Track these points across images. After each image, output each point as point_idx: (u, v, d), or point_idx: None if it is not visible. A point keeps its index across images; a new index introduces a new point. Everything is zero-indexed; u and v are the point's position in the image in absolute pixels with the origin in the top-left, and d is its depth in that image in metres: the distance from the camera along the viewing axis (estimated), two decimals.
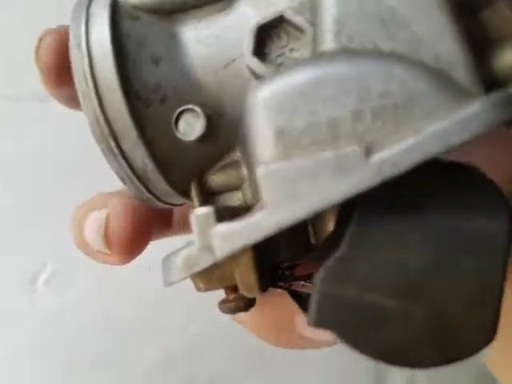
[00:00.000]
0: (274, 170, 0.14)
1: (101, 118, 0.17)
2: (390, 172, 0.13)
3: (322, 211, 0.14)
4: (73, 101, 0.19)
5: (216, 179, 0.20)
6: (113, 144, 0.17)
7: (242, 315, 0.25)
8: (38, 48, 0.20)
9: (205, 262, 0.17)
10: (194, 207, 0.20)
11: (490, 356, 0.29)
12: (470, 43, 0.15)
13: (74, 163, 0.37)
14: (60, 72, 0.19)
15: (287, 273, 0.20)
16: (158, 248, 0.24)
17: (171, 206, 0.21)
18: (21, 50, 0.40)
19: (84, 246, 0.22)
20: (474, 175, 0.15)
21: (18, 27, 0.40)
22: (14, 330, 0.44)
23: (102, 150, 0.17)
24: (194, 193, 0.19)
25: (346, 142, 0.14)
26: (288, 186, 0.14)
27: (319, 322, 0.15)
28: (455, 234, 0.14)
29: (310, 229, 0.20)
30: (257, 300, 0.20)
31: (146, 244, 0.22)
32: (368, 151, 0.14)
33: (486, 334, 0.14)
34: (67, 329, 0.44)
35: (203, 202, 0.20)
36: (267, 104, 0.15)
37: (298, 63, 0.15)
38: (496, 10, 0.15)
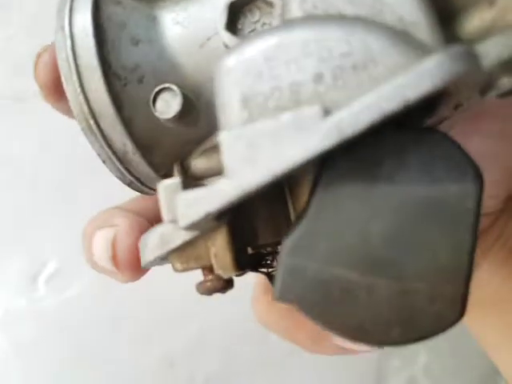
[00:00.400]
0: (235, 135, 0.14)
1: (81, 97, 0.17)
2: (348, 131, 0.13)
3: (295, 174, 0.14)
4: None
5: (199, 163, 0.20)
6: (92, 122, 0.18)
7: (276, 325, 0.25)
8: (36, 64, 0.21)
9: (178, 239, 0.16)
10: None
11: (489, 341, 0.28)
12: (434, 6, 0.14)
13: (77, 163, 0.37)
14: (58, 87, 0.20)
15: (269, 258, 0.20)
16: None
17: (154, 193, 0.21)
18: (24, 51, 0.42)
19: (93, 263, 0.23)
20: (441, 139, 0.14)
21: (21, 28, 0.42)
22: (15, 329, 0.44)
23: (83, 129, 0.18)
24: (176, 176, 0.20)
25: (307, 104, 0.14)
26: (249, 150, 0.14)
27: (283, 296, 0.14)
28: (420, 200, 0.14)
29: (291, 209, 0.19)
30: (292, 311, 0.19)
31: None
32: (327, 110, 0.13)
33: (456, 310, 0.13)
34: (68, 327, 0.44)
35: (185, 186, 0.20)
36: (232, 70, 0.15)
37: (264, 30, 0.15)
38: None
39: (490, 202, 0.25)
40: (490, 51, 0.13)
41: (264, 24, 0.17)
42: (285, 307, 0.16)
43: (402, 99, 0.13)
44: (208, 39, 0.18)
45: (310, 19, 0.14)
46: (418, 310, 0.14)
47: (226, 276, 0.18)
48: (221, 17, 0.17)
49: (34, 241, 0.43)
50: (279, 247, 0.20)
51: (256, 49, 0.14)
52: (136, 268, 0.21)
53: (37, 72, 0.21)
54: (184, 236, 0.16)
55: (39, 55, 0.21)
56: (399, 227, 0.14)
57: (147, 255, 0.17)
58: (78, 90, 0.17)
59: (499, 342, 0.27)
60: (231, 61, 0.15)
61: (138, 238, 0.21)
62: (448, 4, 0.16)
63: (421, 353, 0.37)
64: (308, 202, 0.15)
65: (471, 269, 0.14)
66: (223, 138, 0.14)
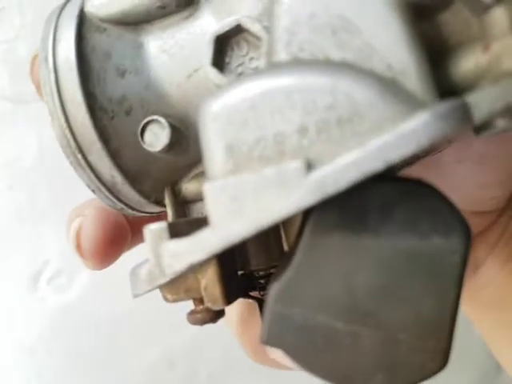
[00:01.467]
0: (220, 187, 0.14)
1: (67, 132, 0.17)
2: (330, 189, 0.13)
3: (273, 226, 0.14)
4: None
5: (189, 188, 0.20)
6: (79, 156, 0.17)
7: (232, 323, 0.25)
8: (32, 65, 0.21)
9: (165, 278, 0.17)
10: (168, 216, 0.20)
11: (493, 338, 0.28)
12: (425, 51, 0.14)
13: None
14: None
15: (262, 281, 0.20)
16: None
17: (147, 215, 0.21)
18: (25, 53, 0.41)
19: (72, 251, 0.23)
20: (428, 192, 0.14)
21: (22, 30, 0.41)
22: (16, 328, 0.45)
23: (71, 162, 0.18)
24: (167, 202, 0.20)
25: (292, 157, 0.14)
26: (233, 202, 0.14)
27: (270, 342, 0.15)
28: (406, 254, 0.14)
29: (283, 234, 0.19)
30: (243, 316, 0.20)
31: (118, 253, 0.23)
32: (310, 166, 0.13)
33: (438, 362, 0.13)
34: (69, 327, 0.44)
35: (177, 211, 0.20)
36: (217, 118, 0.14)
37: (249, 75, 0.15)
38: (455, 12, 0.14)
39: (492, 201, 0.25)
40: (482, 103, 0.13)
41: (252, 58, 0.17)
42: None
43: (385, 160, 0.12)
44: (195, 70, 0.17)
45: (295, 66, 0.14)
46: (401, 359, 0.14)
47: (215, 308, 0.18)
48: (207, 51, 0.16)
49: (35, 241, 0.43)
50: (271, 270, 0.20)
51: (241, 96, 0.14)
52: (100, 257, 0.22)
53: (33, 72, 0.21)
54: (170, 276, 0.16)
55: (35, 56, 0.21)
56: (384, 280, 0.14)
57: (137, 289, 0.18)
58: (64, 125, 0.17)
59: (504, 338, 0.28)
60: (216, 107, 0.14)
61: (102, 229, 0.22)
62: (441, 43, 0.15)
63: None
64: (294, 248, 0.15)
65: (454, 322, 0.14)
66: (208, 188, 0.14)
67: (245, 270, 0.20)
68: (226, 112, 0.14)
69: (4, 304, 0.44)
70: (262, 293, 0.20)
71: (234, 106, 0.14)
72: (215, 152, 0.14)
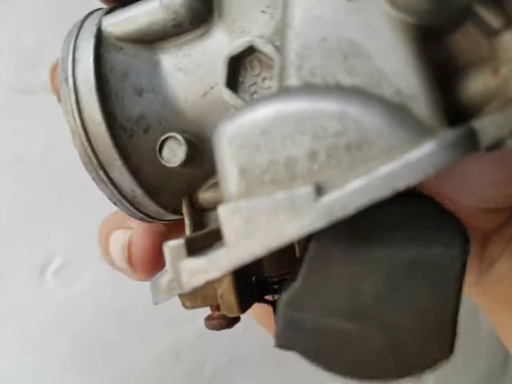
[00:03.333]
0: (233, 209, 0.15)
1: (88, 150, 0.18)
2: (339, 214, 0.13)
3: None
4: None
5: (206, 197, 0.20)
6: (101, 173, 0.18)
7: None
8: (52, 76, 0.21)
9: (182, 290, 0.18)
10: (186, 224, 0.21)
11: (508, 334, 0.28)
12: (434, 73, 0.14)
13: None
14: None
15: (276, 286, 0.21)
16: None
17: (166, 222, 0.22)
18: (32, 43, 0.40)
19: (110, 261, 0.24)
20: (428, 205, 0.14)
21: (27, 20, 0.40)
22: (23, 320, 0.44)
23: (93, 178, 0.19)
24: (185, 211, 0.20)
25: (302, 181, 0.14)
26: (246, 224, 0.14)
27: (283, 345, 0.16)
28: (408, 262, 0.14)
29: (296, 243, 0.20)
30: None
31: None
32: (320, 191, 0.14)
33: (444, 351, 0.14)
34: (76, 319, 0.44)
35: (194, 219, 0.21)
36: (231, 141, 0.15)
37: (261, 99, 0.15)
38: (466, 32, 0.14)
39: (506, 199, 0.25)
40: (489, 129, 0.13)
41: (264, 78, 0.17)
42: None
43: (392, 188, 0.13)
44: (211, 88, 0.18)
45: (305, 91, 0.14)
46: (408, 360, 0.15)
47: (231, 315, 0.19)
48: (221, 72, 0.17)
49: (43, 233, 0.43)
50: (285, 275, 0.21)
51: (253, 121, 0.15)
52: (150, 268, 0.23)
53: (53, 83, 0.21)
54: (188, 290, 0.17)
55: (55, 66, 0.21)
56: (388, 286, 0.15)
57: (157, 297, 0.18)
58: (86, 143, 0.18)
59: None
60: (230, 132, 0.15)
61: (151, 240, 0.23)
62: (451, 63, 0.15)
63: None
64: (302, 256, 0.16)
65: (456, 326, 0.14)
66: (222, 211, 0.15)
67: (259, 276, 0.21)
68: (240, 136, 0.15)
69: (10, 296, 0.44)
70: (276, 297, 0.21)
71: (246, 130, 0.15)
72: (229, 174, 0.15)
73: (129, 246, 0.23)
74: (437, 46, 0.15)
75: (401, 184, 0.13)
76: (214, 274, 0.15)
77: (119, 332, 0.45)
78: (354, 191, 0.13)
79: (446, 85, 0.15)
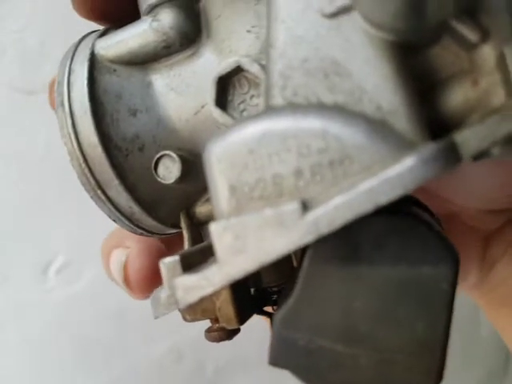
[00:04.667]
0: (225, 227, 0.15)
1: (86, 171, 0.19)
2: (325, 229, 0.14)
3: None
4: None
5: (203, 210, 0.21)
6: (99, 192, 0.19)
7: None
8: (50, 91, 0.22)
9: (178, 306, 0.18)
10: (184, 238, 0.21)
11: (504, 329, 0.28)
12: (415, 88, 0.14)
13: None
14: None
15: (274, 297, 0.21)
16: None
17: (164, 236, 0.22)
18: (35, 43, 0.40)
19: (112, 279, 0.25)
20: (417, 223, 0.15)
21: (30, 20, 0.40)
22: (25, 319, 0.44)
23: (92, 197, 0.19)
24: (183, 225, 0.21)
25: (289, 197, 0.15)
26: (236, 241, 0.15)
27: (276, 363, 0.16)
28: (398, 281, 0.15)
29: (293, 253, 0.20)
30: None
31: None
32: (306, 207, 0.14)
33: (431, 379, 0.14)
34: (77, 319, 0.44)
35: (192, 233, 0.21)
36: (220, 160, 0.15)
37: (248, 118, 0.16)
38: (445, 45, 0.15)
39: (508, 200, 0.25)
40: (470, 141, 0.13)
41: (252, 96, 0.17)
42: None
43: (374, 203, 0.13)
44: (202, 107, 0.18)
45: (289, 111, 0.15)
46: (396, 377, 0.15)
47: (230, 327, 0.19)
48: (210, 92, 0.17)
49: (45, 232, 0.43)
50: (283, 286, 0.22)
51: (241, 140, 0.15)
52: (145, 288, 0.24)
53: (51, 98, 0.22)
54: (184, 306, 0.18)
55: (53, 82, 0.22)
56: (379, 305, 0.15)
57: (158, 311, 0.19)
58: (83, 164, 0.18)
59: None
60: (219, 151, 0.15)
61: (147, 260, 0.24)
62: (432, 75, 0.15)
63: None
64: (295, 277, 0.16)
65: (446, 344, 0.15)
66: (213, 228, 0.15)
67: (258, 287, 0.21)
68: (228, 155, 0.15)
69: (12, 295, 0.44)
70: (274, 308, 0.21)
71: (234, 149, 0.15)
72: (220, 191, 0.16)
73: (125, 267, 0.24)
74: (417, 60, 0.15)
75: (382, 199, 0.13)
76: (207, 290, 0.15)
77: (121, 332, 0.45)
78: (337, 207, 0.14)
79: (427, 97, 0.15)
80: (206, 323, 0.21)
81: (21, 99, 0.42)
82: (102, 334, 0.45)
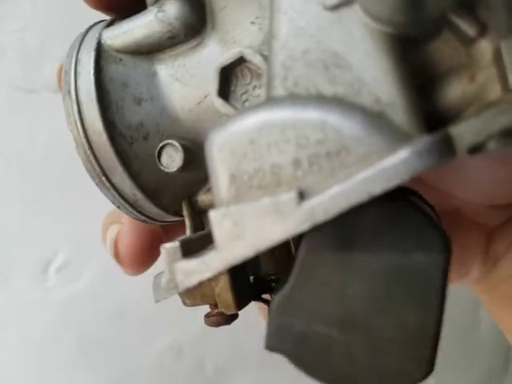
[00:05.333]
0: (224, 214, 0.15)
1: (91, 158, 0.19)
2: (320, 217, 0.14)
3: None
4: None
5: (205, 199, 0.21)
6: (104, 179, 0.19)
7: None
8: (59, 77, 0.22)
9: (178, 290, 0.18)
10: (186, 226, 0.22)
11: (508, 326, 0.29)
12: (413, 81, 0.15)
13: None
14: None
15: (273, 285, 0.22)
16: None
17: (167, 223, 0.23)
18: (34, 42, 0.40)
19: (108, 253, 0.25)
20: (412, 211, 0.15)
21: (30, 19, 0.40)
22: (25, 318, 0.44)
23: (96, 184, 0.20)
24: (185, 213, 0.21)
25: (287, 187, 0.15)
26: (234, 228, 0.15)
27: (272, 347, 0.16)
28: (392, 268, 0.15)
29: (291, 241, 0.21)
30: None
31: (155, 258, 0.25)
32: (303, 196, 0.14)
33: (423, 369, 0.15)
34: (78, 317, 0.44)
35: (194, 221, 0.22)
36: (221, 149, 0.16)
37: (249, 108, 0.16)
38: (445, 39, 0.15)
39: (510, 195, 0.26)
40: (465, 135, 0.14)
41: (255, 87, 0.18)
42: None
43: (369, 193, 0.13)
44: (205, 97, 0.19)
45: (289, 102, 0.15)
46: (389, 366, 0.15)
47: (228, 313, 0.20)
48: (213, 82, 0.18)
49: (45, 231, 0.43)
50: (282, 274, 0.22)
51: (241, 130, 0.15)
52: (137, 263, 0.24)
53: (60, 83, 0.22)
54: (183, 289, 0.18)
55: (62, 67, 0.22)
56: (372, 293, 0.15)
57: (158, 295, 0.20)
58: (88, 151, 0.19)
59: None
60: (220, 140, 0.16)
61: (139, 237, 0.24)
62: (432, 68, 0.16)
63: None
64: (292, 263, 0.17)
65: (438, 332, 0.15)
66: (213, 215, 0.16)
67: (257, 275, 0.22)
68: (229, 144, 0.16)
69: (13, 294, 0.44)
70: (272, 295, 0.22)
71: (235, 139, 0.16)
72: (220, 179, 0.16)
73: (116, 241, 0.24)
74: (417, 53, 0.15)
75: (377, 189, 0.13)
76: (206, 274, 0.16)
77: (121, 330, 0.45)
78: (333, 196, 0.14)
79: (426, 90, 0.15)
80: (206, 314, 0.21)
81: (21, 98, 0.42)
82: (102, 333, 0.45)
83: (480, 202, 0.26)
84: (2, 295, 0.45)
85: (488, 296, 0.30)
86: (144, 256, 0.24)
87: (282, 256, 0.21)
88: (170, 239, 0.27)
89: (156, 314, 0.43)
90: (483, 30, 0.14)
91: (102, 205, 0.22)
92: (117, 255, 0.24)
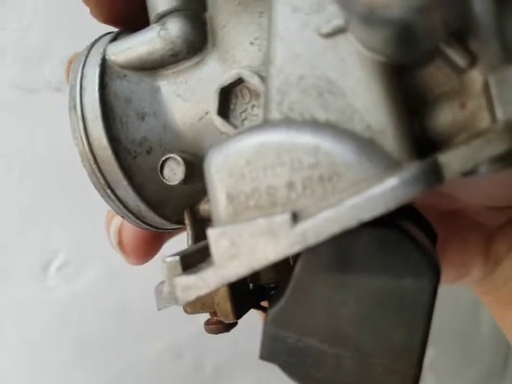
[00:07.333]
0: (221, 233, 0.16)
1: (96, 171, 0.20)
2: (312, 240, 0.15)
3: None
4: None
5: (207, 208, 0.22)
6: (109, 191, 0.20)
7: None
8: (67, 70, 0.23)
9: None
10: (188, 234, 0.22)
11: (510, 328, 0.29)
12: (405, 107, 0.15)
13: None
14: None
15: (272, 292, 0.22)
16: (171, 239, 0.27)
17: (169, 231, 0.23)
18: (35, 42, 0.40)
19: (113, 247, 0.26)
20: (404, 237, 0.15)
21: (32, 19, 0.40)
22: (25, 317, 0.44)
23: (102, 196, 0.21)
24: (187, 222, 0.22)
25: (282, 208, 0.16)
26: (231, 247, 0.16)
27: (266, 358, 0.17)
28: (382, 290, 0.16)
29: None
30: None
31: (158, 248, 0.25)
32: (296, 219, 0.15)
33: (408, 383, 0.15)
34: (77, 317, 0.45)
35: (196, 230, 0.22)
36: (219, 170, 0.16)
37: (246, 130, 0.17)
38: (438, 65, 0.15)
39: (509, 198, 0.26)
40: (453, 163, 0.14)
41: (254, 106, 0.18)
42: None
43: (358, 219, 0.14)
44: (206, 113, 0.19)
45: (284, 126, 0.16)
46: (375, 379, 0.16)
47: (227, 322, 0.20)
48: (213, 101, 0.18)
49: (46, 230, 0.43)
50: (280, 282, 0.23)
51: (238, 152, 0.16)
52: (140, 253, 0.25)
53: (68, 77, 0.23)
54: (183, 303, 0.19)
55: (70, 61, 0.23)
56: (363, 312, 0.16)
57: (160, 303, 0.20)
58: (94, 165, 0.20)
59: None
60: (218, 161, 0.16)
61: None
62: (424, 93, 0.16)
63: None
64: (287, 279, 0.17)
65: (423, 351, 0.16)
66: (211, 233, 0.16)
67: (256, 283, 0.22)
68: (226, 165, 0.16)
69: (13, 294, 0.44)
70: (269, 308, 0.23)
71: (232, 160, 0.16)
72: (218, 198, 0.17)
73: (120, 231, 0.25)
74: (410, 77, 0.16)
75: (365, 216, 0.14)
76: (203, 290, 0.17)
77: (120, 330, 0.45)
78: (324, 220, 0.15)
79: (418, 113, 0.16)
80: (206, 321, 0.22)
81: (22, 98, 0.42)
82: (102, 333, 0.45)
83: (481, 203, 0.27)
84: (1, 295, 0.45)
85: (489, 297, 0.30)
86: (147, 246, 0.25)
87: (280, 264, 0.22)
88: (172, 231, 0.27)
89: (155, 314, 0.43)
90: (474, 61, 0.14)
91: (103, 205, 0.23)
92: (120, 244, 0.25)
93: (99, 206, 0.21)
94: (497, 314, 0.31)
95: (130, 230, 0.25)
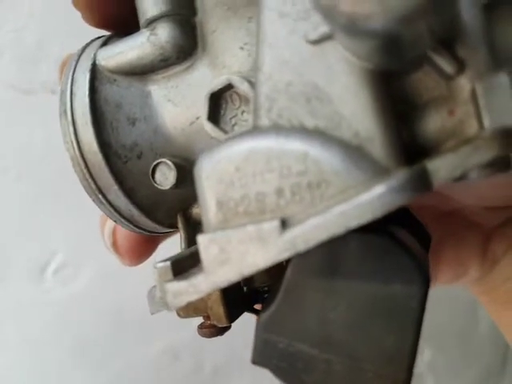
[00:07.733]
0: (210, 239, 0.16)
1: (87, 176, 0.20)
2: (301, 247, 0.15)
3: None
4: None
5: (199, 211, 0.22)
6: (100, 196, 0.20)
7: None
8: (61, 70, 0.23)
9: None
10: (180, 238, 0.22)
11: (507, 328, 0.29)
12: (393, 113, 0.15)
13: None
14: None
15: (265, 295, 0.22)
16: (166, 240, 0.27)
17: (162, 234, 0.24)
18: (32, 42, 0.40)
19: (107, 248, 0.26)
20: (394, 244, 0.15)
21: (28, 19, 0.40)
22: (23, 319, 0.44)
23: (93, 200, 0.21)
24: (180, 226, 0.22)
25: (271, 214, 0.16)
26: (221, 253, 0.16)
27: (258, 362, 0.17)
28: (372, 296, 0.16)
29: None
30: None
31: (152, 249, 0.25)
32: (285, 225, 0.15)
33: None
34: (76, 318, 0.45)
35: (188, 233, 0.22)
36: (209, 176, 0.16)
37: (236, 137, 0.17)
38: (427, 71, 0.15)
39: (506, 198, 0.26)
40: (441, 170, 0.14)
41: (243, 111, 0.18)
42: None
43: (346, 226, 0.14)
44: (197, 118, 0.19)
45: (273, 133, 0.16)
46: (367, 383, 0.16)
47: (220, 325, 0.20)
48: (204, 107, 0.18)
49: (43, 232, 0.43)
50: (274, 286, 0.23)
51: (228, 158, 0.16)
52: (134, 254, 0.25)
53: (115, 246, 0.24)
54: (174, 309, 0.19)
55: (63, 63, 0.23)
56: (353, 317, 0.16)
57: (153, 308, 0.21)
58: (85, 170, 0.20)
59: None
60: (208, 167, 0.16)
61: None
62: (413, 99, 0.16)
63: (425, 349, 0.38)
64: (279, 285, 0.17)
65: (413, 356, 0.16)
66: (201, 240, 0.16)
67: (250, 286, 0.22)
68: (216, 172, 0.16)
69: (10, 295, 0.44)
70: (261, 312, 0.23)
71: (222, 167, 0.16)
72: (208, 205, 0.17)
73: (114, 232, 0.25)
74: (398, 83, 0.16)
75: (353, 223, 0.14)
76: (194, 296, 0.17)
77: (118, 331, 0.45)
78: (313, 227, 0.15)
79: (407, 119, 0.16)
80: (199, 325, 0.22)
81: (19, 99, 0.42)
82: (100, 334, 0.45)
83: (478, 204, 0.27)
84: (1, 295, 0.45)
85: (487, 297, 0.30)
86: (141, 247, 0.25)
87: (273, 267, 0.22)
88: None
89: (153, 316, 0.44)
90: (462, 68, 0.14)
91: None
92: (114, 245, 0.25)
93: (96, 208, 0.21)
94: (495, 314, 0.31)
95: (124, 231, 0.25)
